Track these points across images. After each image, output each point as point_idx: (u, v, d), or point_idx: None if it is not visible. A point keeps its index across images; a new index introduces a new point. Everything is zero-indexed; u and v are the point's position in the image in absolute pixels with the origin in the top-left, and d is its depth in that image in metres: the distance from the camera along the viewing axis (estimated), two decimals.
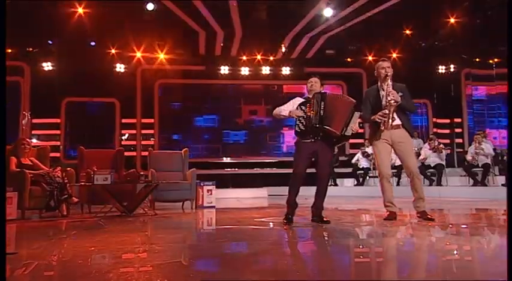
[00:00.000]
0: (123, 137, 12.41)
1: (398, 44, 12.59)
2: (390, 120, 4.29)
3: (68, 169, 5.95)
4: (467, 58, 13.41)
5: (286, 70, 12.94)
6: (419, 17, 11.38)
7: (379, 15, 10.50)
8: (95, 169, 5.40)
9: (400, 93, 4.28)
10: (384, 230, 3.85)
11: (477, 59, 13.59)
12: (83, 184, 5.60)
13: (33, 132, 11.64)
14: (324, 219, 4.18)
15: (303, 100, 4.33)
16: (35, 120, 11.78)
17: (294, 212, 4.27)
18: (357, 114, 4.18)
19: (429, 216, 4.25)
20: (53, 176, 5.60)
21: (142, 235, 4.00)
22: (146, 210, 5.99)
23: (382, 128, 4.35)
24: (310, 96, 4.32)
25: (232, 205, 7.85)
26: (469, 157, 9.72)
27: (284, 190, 10.87)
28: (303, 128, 4.16)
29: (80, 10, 10.21)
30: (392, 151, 4.49)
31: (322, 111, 4.08)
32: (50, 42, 11.38)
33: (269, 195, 10.79)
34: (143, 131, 12.70)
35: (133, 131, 12.58)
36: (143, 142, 12.61)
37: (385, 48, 12.72)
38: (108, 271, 2.20)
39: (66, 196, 5.55)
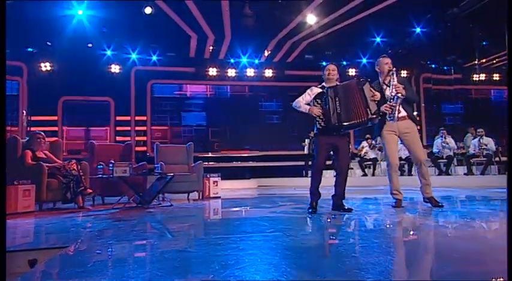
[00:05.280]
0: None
1: (368, 51, 12.57)
2: (397, 113, 4.10)
3: (82, 162, 5.46)
4: (426, 64, 13.60)
5: (268, 72, 12.67)
6: (388, 27, 11.37)
7: (353, 24, 10.40)
8: (113, 161, 4.94)
9: (403, 86, 4.10)
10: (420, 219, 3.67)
11: (433, 65, 13.84)
12: (100, 176, 5.12)
13: (32, 128, 10.82)
14: (345, 207, 3.95)
15: (319, 90, 4.00)
16: (33, 118, 11.04)
17: (317, 202, 4.01)
18: (366, 85, 3.81)
19: (438, 202, 4.11)
20: (68, 168, 5.13)
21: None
22: (161, 201, 5.59)
23: (389, 119, 4.15)
24: (326, 85, 4.02)
25: (231, 195, 7.48)
26: (435, 150, 9.80)
27: (269, 182, 10.76)
28: (324, 125, 3.88)
29: (78, 13, 9.54)
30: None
31: (338, 108, 3.79)
32: (48, 43, 10.55)
33: (258, 186, 10.48)
34: (136, 128, 12.15)
35: (128, 128, 12.00)
36: (137, 138, 12.09)
37: (356, 54, 12.68)
38: None
39: (82, 188, 5.08)
